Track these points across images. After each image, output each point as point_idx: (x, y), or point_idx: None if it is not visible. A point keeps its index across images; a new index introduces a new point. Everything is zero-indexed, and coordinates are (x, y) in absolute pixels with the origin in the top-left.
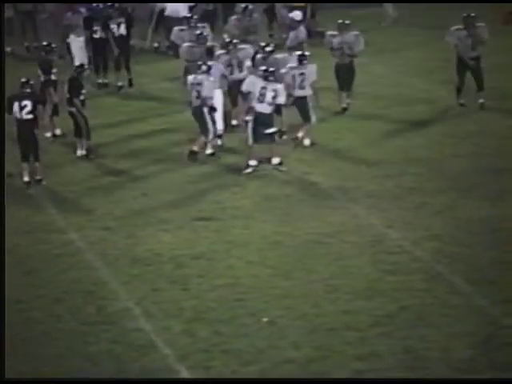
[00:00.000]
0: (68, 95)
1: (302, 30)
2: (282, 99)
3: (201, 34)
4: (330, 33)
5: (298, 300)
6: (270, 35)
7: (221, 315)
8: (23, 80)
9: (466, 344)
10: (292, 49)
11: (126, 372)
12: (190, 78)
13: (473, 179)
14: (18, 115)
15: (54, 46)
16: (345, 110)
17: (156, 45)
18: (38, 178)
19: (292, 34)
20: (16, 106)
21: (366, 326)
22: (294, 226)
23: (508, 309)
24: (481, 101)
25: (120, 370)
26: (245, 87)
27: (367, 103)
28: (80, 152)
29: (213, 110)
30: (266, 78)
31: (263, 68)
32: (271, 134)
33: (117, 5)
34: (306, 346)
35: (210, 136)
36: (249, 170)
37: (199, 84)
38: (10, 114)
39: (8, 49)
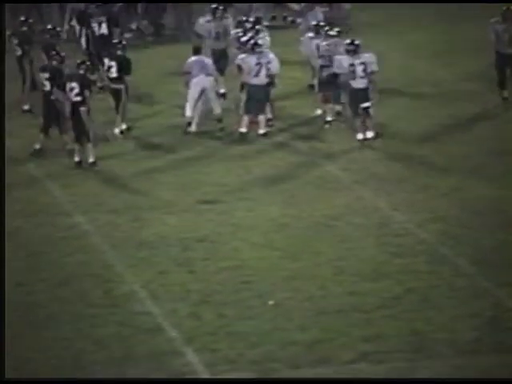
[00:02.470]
0: (117, 74)
1: (318, 11)
2: (374, 67)
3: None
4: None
5: (304, 282)
6: (273, 17)
7: (226, 298)
8: (79, 61)
9: (471, 326)
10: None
11: (133, 355)
12: (253, 58)
13: (477, 161)
14: (69, 96)
15: (58, 29)
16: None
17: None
18: (91, 160)
19: (309, 15)
20: (68, 86)
21: (372, 307)
22: (299, 209)
23: None
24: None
25: (127, 353)
26: (336, 70)
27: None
28: (118, 130)
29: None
30: (353, 53)
31: (348, 41)
32: (367, 108)
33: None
34: (312, 327)
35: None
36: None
37: (269, 62)
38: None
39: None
